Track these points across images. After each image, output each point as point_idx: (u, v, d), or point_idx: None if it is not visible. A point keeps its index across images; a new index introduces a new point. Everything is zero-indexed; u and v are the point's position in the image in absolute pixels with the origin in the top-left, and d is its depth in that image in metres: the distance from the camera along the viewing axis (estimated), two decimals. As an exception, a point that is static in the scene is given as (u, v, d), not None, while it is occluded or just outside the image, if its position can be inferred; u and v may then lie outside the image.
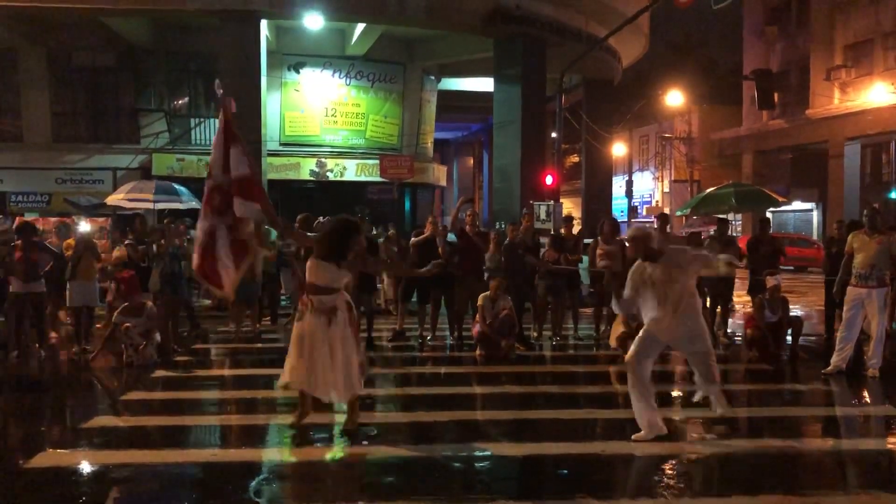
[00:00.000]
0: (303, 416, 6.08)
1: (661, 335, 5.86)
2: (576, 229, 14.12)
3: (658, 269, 5.79)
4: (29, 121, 23.02)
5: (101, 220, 17.65)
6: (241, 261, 6.09)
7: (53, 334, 10.54)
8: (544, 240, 11.95)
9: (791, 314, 9.86)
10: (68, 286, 9.81)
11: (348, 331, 5.79)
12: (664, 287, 5.75)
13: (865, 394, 7.86)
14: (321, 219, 11.39)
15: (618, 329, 10.09)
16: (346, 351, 5.74)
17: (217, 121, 6.19)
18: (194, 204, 17.26)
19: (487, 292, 9.63)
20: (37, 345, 9.63)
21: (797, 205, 30.73)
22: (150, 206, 16.42)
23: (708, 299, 11.36)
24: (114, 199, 17.20)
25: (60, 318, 11.08)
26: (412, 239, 11.06)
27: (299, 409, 6.10)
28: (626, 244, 6.30)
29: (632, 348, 5.94)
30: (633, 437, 5.80)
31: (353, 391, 5.84)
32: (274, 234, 13.56)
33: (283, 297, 13.54)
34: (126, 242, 10.14)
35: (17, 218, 13.88)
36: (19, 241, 9.41)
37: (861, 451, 5.92)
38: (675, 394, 7.70)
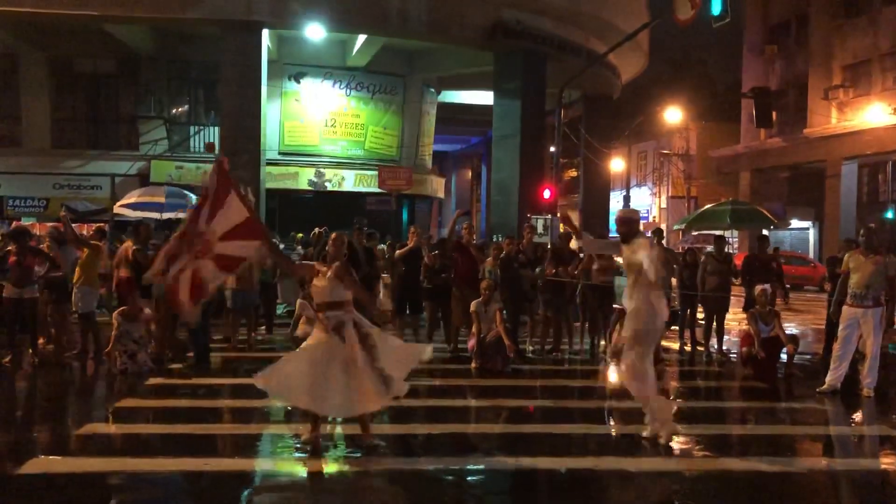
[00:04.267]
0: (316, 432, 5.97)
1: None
2: (574, 244, 14.13)
3: (627, 250, 6.27)
4: (29, 126, 23.05)
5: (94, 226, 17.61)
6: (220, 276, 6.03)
7: (41, 339, 10.49)
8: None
9: (787, 332, 9.86)
10: (74, 291, 9.76)
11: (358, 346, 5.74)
12: (629, 268, 6.30)
13: (860, 413, 7.85)
14: (318, 229, 11.42)
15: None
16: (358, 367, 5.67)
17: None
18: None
19: (479, 298, 9.63)
20: (30, 350, 9.59)
21: (794, 223, 30.80)
22: (157, 214, 16.36)
23: (703, 314, 11.42)
24: (122, 206, 17.21)
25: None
26: (397, 251, 11.09)
27: (312, 427, 5.95)
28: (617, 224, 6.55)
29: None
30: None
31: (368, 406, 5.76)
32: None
33: (279, 306, 13.52)
34: (133, 248, 10.13)
35: (14, 222, 13.88)
36: (13, 247, 9.38)
37: (855, 471, 5.90)
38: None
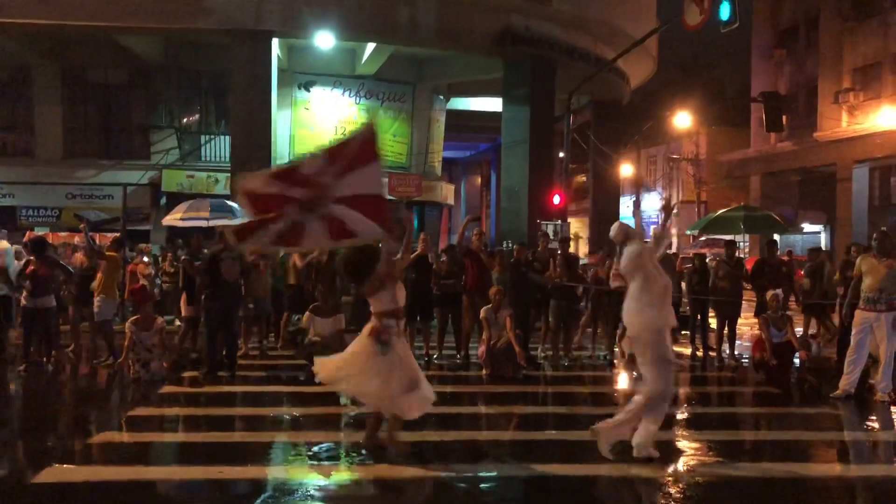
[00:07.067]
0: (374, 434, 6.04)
1: None
2: (583, 251, 14.11)
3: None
4: (41, 136, 23.23)
5: (109, 235, 17.81)
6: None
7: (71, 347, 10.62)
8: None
9: (798, 336, 9.83)
10: (95, 301, 9.85)
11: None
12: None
13: (874, 418, 7.80)
14: None
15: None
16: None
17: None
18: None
19: (489, 305, 9.64)
20: (45, 359, 9.67)
21: (805, 227, 30.64)
22: (203, 223, 16.54)
23: (715, 320, 11.39)
24: (170, 219, 17.53)
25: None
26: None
27: (369, 428, 6.03)
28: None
29: None
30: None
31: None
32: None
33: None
34: (183, 258, 10.30)
35: (28, 233, 13.99)
36: (33, 257, 9.48)
37: (869, 478, 5.87)
38: (681, 415, 7.68)
